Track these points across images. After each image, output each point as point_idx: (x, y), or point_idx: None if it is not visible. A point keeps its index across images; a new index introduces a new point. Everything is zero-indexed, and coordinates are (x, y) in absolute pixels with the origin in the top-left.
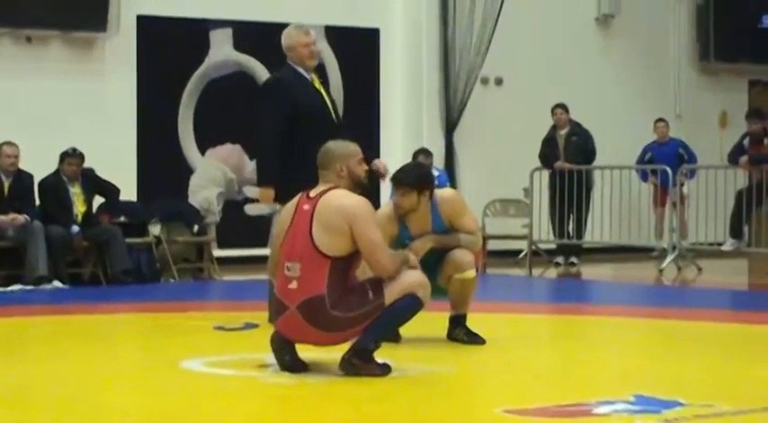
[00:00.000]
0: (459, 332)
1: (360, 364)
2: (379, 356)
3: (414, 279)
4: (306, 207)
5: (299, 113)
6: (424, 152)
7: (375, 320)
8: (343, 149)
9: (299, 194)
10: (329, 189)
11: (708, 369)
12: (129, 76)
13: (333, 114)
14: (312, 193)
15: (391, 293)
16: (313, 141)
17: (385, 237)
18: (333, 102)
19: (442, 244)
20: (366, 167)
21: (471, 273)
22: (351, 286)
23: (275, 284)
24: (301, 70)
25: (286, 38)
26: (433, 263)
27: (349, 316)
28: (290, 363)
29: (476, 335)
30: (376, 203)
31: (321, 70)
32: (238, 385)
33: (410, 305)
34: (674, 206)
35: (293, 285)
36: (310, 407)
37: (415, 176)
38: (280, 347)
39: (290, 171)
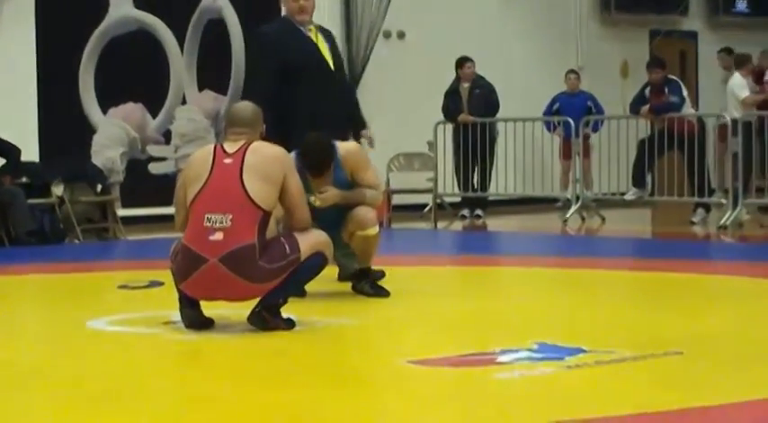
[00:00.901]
0: (364, 285)
1: (269, 317)
2: (286, 310)
3: (321, 238)
4: (228, 161)
5: (289, 66)
6: None
7: (287, 277)
8: (254, 113)
9: (209, 148)
10: (248, 143)
11: (610, 316)
12: (28, 35)
13: (331, 68)
14: (229, 149)
15: (305, 250)
16: (310, 94)
17: None
18: (336, 56)
19: (347, 200)
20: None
21: (374, 230)
22: (269, 240)
23: (185, 237)
24: (295, 23)
25: None
26: (335, 217)
27: (270, 267)
28: (196, 319)
29: (380, 287)
30: None
31: (222, 27)
32: (144, 343)
33: (318, 264)
34: (577, 157)
35: (217, 237)
36: (218, 361)
37: (326, 156)
38: (185, 305)
39: (293, 124)
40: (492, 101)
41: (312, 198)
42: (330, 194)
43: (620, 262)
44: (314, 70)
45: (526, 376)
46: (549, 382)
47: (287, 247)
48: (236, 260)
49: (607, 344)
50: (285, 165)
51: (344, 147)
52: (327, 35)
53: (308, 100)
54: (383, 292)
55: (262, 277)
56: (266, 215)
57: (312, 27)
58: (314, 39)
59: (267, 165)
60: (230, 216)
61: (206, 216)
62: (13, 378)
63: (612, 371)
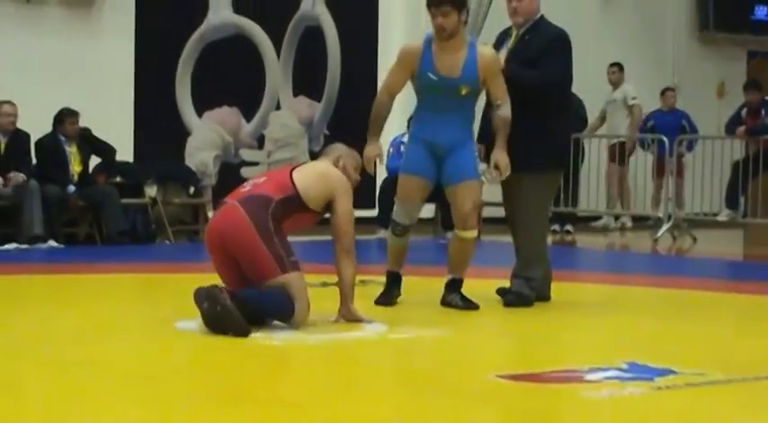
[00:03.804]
0: (455, 298)
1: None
2: (375, 317)
3: (307, 301)
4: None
5: None
6: None
7: (266, 292)
8: (348, 150)
9: None
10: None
11: (701, 338)
12: (127, 37)
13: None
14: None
15: (291, 278)
16: None
17: (406, 70)
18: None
19: (504, 142)
20: (359, 179)
21: (471, 233)
22: (286, 232)
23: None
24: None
25: None
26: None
27: (273, 238)
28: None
29: (470, 301)
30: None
31: (319, 34)
32: (232, 345)
33: (285, 310)
34: (670, 175)
35: (245, 189)
36: (305, 367)
37: None
38: (202, 296)
39: None
40: (582, 117)
41: (486, 176)
42: (505, 161)
43: (712, 283)
44: None
45: (615, 396)
46: (638, 402)
47: (294, 258)
48: (251, 203)
49: (697, 366)
50: (333, 182)
51: (482, 48)
52: (527, 37)
53: None
54: (473, 306)
55: (263, 237)
56: (297, 197)
57: (516, 32)
58: (510, 44)
59: (317, 170)
60: (265, 178)
61: (246, 183)
62: (98, 377)
63: (703, 393)
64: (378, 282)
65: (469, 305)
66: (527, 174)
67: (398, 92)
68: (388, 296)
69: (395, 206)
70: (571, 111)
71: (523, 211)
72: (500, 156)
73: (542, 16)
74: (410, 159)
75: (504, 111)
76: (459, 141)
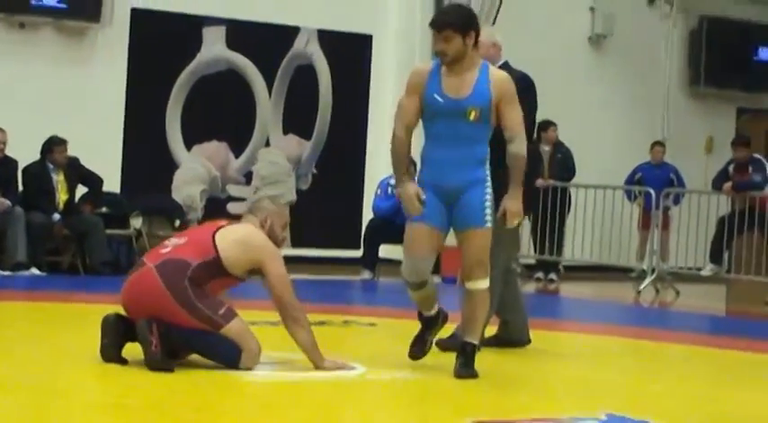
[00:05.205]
0: (457, 360)
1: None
2: (352, 360)
3: (254, 345)
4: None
5: None
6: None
7: (197, 338)
8: (276, 208)
9: None
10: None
11: (679, 390)
12: (120, 68)
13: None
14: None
15: (230, 330)
16: None
17: (415, 94)
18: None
19: (519, 189)
20: (286, 236)
21: (483, 283)
22: (209, 292)
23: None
24: None
25: None
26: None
27: (194, 303)
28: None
29: (470, 370)
30: None
31: (311, 73)
32: (210, 380)
33: (230, 358)
34: (656, 228)
35: (165, 250)
36: (279, 406)
37: (458, 16)
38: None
39: None
40: (570, 167)
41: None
42: (515, 209)
43: (692, 337)
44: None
45: None
46: None
47: (222, 310)
48: (166, 268)
49: (675, 418)
50: (257, 248)
51: (497, 70)
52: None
53: None
54: (467, 373)
55: (183, 301)
56: (218, 261)
57: None
58: None
59: (238, 235)
60: (186, 239)
61: (165, 242)
62: (71, 408)
63: None
64: (360, 323)
65: (462, 373)
66: None
67: (414, 124)
68: (420, 344)
69: (403, 260)
70: (533, 157)
71: None
72: (509, 202)
73: (506, 62)
74: None
75: (517, 147)
76: (470, 182)
